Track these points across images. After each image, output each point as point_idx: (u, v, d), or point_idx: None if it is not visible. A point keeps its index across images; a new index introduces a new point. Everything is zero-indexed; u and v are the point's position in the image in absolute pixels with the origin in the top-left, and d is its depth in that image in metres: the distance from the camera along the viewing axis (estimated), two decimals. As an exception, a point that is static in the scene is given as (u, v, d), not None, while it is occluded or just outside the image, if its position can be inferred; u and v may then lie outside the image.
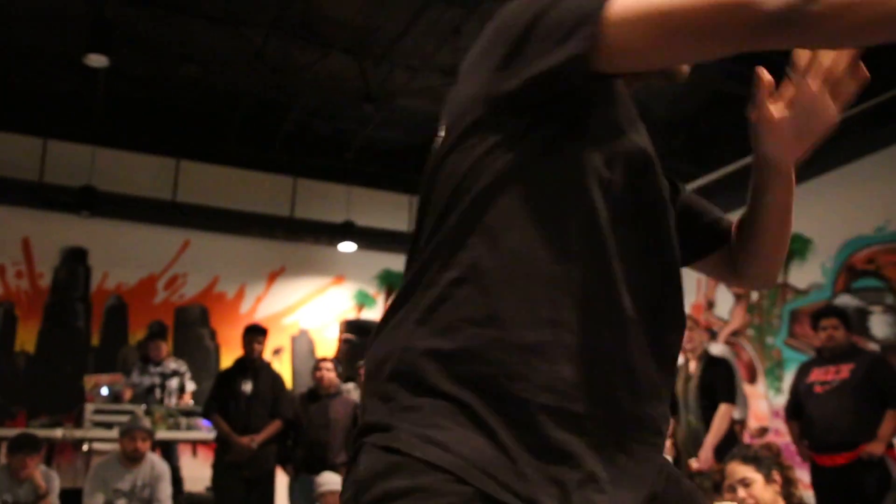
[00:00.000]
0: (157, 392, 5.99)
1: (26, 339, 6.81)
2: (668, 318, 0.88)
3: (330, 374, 4.79)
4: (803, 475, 3.86)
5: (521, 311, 0.79)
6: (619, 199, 0.84)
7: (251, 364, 4.91)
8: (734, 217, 1.18)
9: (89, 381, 5.94)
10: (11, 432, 4.92)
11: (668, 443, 4.42)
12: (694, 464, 4.11)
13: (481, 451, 0.75)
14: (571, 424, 0.79)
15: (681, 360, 4.70)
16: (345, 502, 0.79)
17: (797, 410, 4.25)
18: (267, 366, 5.07)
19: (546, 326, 0.79)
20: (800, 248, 6.23)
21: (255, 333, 4.96)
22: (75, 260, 7.09)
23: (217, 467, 4.83)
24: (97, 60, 5.03)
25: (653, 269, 0.87)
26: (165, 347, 6.24)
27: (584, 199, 0.82)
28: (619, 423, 0.82)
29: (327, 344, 7.82)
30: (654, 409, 0.86)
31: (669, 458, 4.35)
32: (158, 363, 6.10)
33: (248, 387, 4.83)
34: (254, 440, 4.68)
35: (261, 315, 7.54)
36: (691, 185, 6.78)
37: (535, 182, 0.83)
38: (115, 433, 4.81)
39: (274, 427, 4.81)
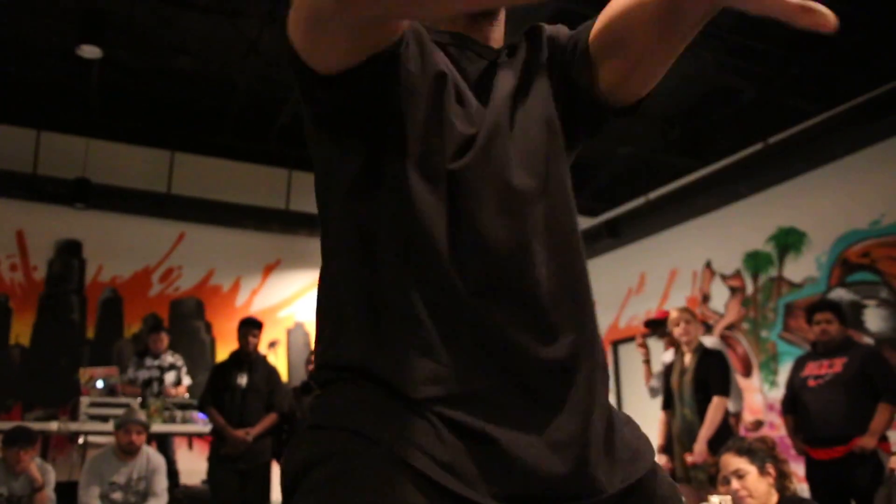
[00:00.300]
0: (155, 385, 5.98)
1: (21, 331, 6.79)
2: (522, 274, 0.86)
3: (325, 367, 4.78)
4: (798, 468, 3.87)
5: (381, 320, 0.84)
6: (425, 182, 0.85)
7: (246, 357, 4.91)
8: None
9: (84, 374, 5.92)
10: (7, 425, 4.91)
11: (658, 443, 4.44)
12: (689, 457, 4.12)
13: (401, 418, 0.80)
14: (470, 405, 0.81)
15: (670, 356, 4.72)
16: (281, 482, 0.85)
17: (792, 404, 4.27)
18: (262, 359, 5.06)
19: (405, 328, 0.83)
20: (794, 241, 6.24)
21: (250, 326, 4.96)
22: (70, 252, 7.07)
23: (212, 460, 4.82)
24: (90, 52, 5.01)
25: (489, 233, 0.85)
26: (167, 339, 6.22)
27: (390, 198, 0.86)
28: (516, 386, 0.83)
29: (323, 337, 7.82)
30: (550, 351, 0.85)
31: (662, 458, 4.36)
32: (157, 356, 6.10)
33: (243, 380, 4.83)
34: (249, 433, 4.68)
35: (256, 308, 7.53)
36: (689, 178, 6.79)
37: (351, 197, 0.89)
38: (110, 426, 4.81)
39: (269, 420, 4.81)
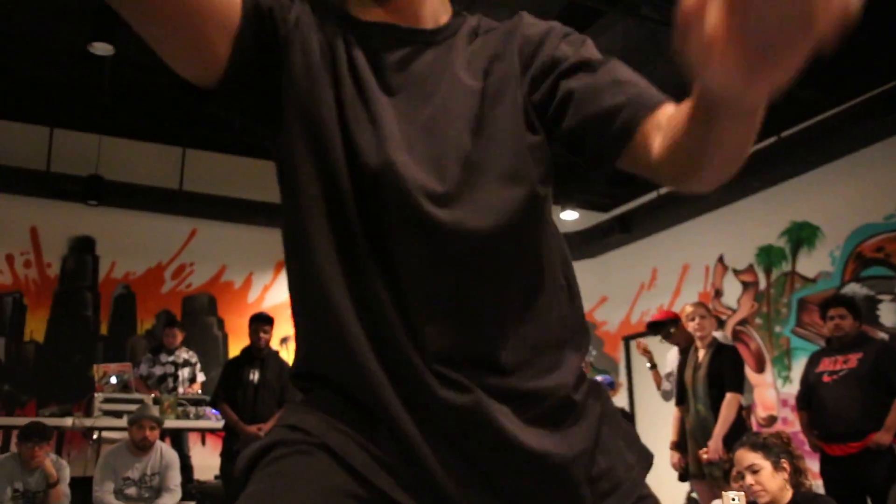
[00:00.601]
0: (170, 381, 6.01)
1: (35, 328, 6.84)
2: (420, 287, 0.83)
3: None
4: (813, 465, 3.85)
5: (316, 330, 0.89)
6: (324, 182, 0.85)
7: (258, 353, 4.92)
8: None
9: (98, 370, 5.96)
10: (21, 421, 4.95)
11: (672, 439, 4.42)
12: (704, 455, 4.10)
13: (343, 417, 0.84)
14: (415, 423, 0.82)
15: (674, 357, 4.68)
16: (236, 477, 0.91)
17: (807, 400, 4.24)
18: (275, 354, 5.08)
19: (335, 338, 0.85)
20: (808, 236, 6.20)
21: (261, 322, 4.97)
22: (83, 249, 7.11)
23: (225, 456, 4.85)
24: (103, 49, 5.03)
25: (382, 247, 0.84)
26: (181, 335, 6.24)
27: (296, 204, 0.87)
28: (433, 415, 0.81)
29: (334, 333, 7.83)
30: (499, 379, 0.83)
31: (675, 455, 4.34)
32: (172, 352, 6.12)
33: (255, 376, 4.85)
34: (262, 429, 4.70)
35: (268, 304, 7.55)
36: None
37: (283, 204, 0.91)
38: (124, 422, 4.84)
39: (282, 416, 4.82)
